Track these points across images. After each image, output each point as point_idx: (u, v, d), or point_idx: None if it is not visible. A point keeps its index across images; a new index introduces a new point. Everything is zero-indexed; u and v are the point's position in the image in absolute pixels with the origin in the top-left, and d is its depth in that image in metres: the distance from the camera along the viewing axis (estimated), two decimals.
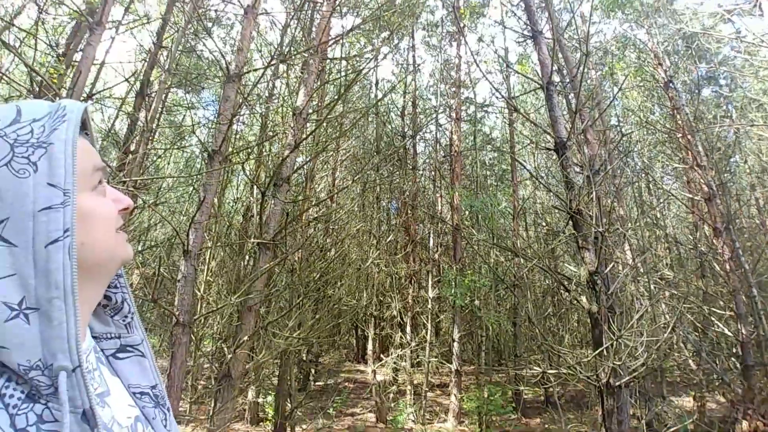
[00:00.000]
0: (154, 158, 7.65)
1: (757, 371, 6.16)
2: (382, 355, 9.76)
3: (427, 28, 12.68)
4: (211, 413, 3.71)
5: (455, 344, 8.43)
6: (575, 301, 4.09)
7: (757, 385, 6.01)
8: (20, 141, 0.45)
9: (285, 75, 6.32)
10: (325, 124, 6.55)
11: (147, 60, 6.37)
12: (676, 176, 9.97)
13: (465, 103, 11.85)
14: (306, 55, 4.95)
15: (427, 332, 8.88)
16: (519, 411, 8.54)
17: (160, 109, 6.75)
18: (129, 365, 0.61)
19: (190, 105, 9.98)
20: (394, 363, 8.96)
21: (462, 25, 10.45)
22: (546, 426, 8.20)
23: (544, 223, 10.28)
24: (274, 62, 4.29)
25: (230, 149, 5.08)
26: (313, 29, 5.88)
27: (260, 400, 8.07)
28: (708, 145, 7.54)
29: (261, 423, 7.84)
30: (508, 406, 8.54)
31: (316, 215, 7.10)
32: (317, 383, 10.74)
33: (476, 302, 8.74)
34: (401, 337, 9.16)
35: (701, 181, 6.88)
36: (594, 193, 3.63)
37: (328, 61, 6.28)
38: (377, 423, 8.20)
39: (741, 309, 6.19)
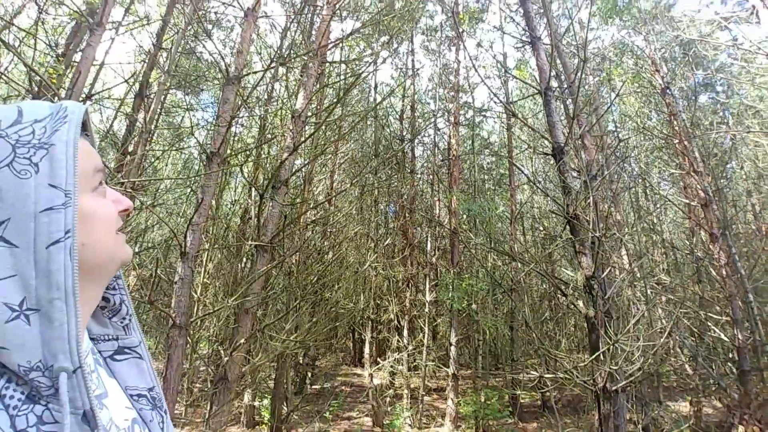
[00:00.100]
0: (153, 159, 7.62)
1: (754, 376, 6.18)
2: (379, 359, 9.72)
3: (427, 33, 12.76)
4: (207, 416, 3.68)
5: (452, 348, 8.41)
6: (572, 306, 4.09)
7: (753, 390, 6.02)
8: (22, 142, 0.45)
9: (284, 78, 6.33)
10: (323, 127, 6.56)
11: (146, 61, 6.36)
12: (672, 182, 10.02)
13: (463, 107, 11.92)
14: (305, 58, 4.97)
15: (424, 336, 8.86)
16: (516, 415, 8.52)
17: (158, 110, 6.73)
18: (126, 367, 0.61)
19: (189, 107, 10.00)
20: (391, 367, 8.93)
21: (461, 30, 10.51)
22: (543, 430, 8.19)
23: (541, 228, 10.33)
24: (273, 65, 4.29)
25: (229, 151, 5.07)
26: (313, 32, 5.90)
27: (256, 403, 8.03)
28: (705, 151, 7.60)
29: (257, 426, 7.79)
30: (505, 411, 8.52)
31: (314, 218, 7.09)
32: (314, 387, 10.71)
33: (473, 306, 8.73)
34: (398, 341, 9.14)
35: (698, 186, 6.92)
36: (591, 197, 3.65)
37: (327, 64, 6.31)
38: (374, 427, 8.16)
39: (737, 314, 6.21)
